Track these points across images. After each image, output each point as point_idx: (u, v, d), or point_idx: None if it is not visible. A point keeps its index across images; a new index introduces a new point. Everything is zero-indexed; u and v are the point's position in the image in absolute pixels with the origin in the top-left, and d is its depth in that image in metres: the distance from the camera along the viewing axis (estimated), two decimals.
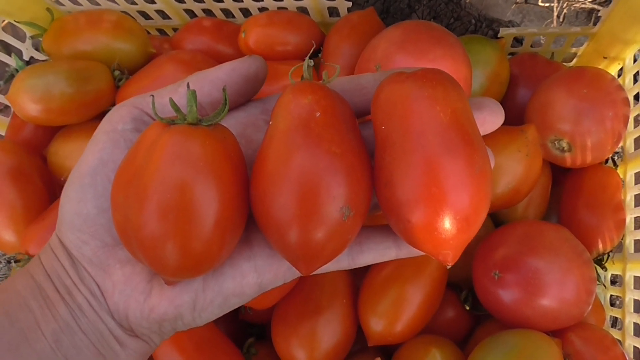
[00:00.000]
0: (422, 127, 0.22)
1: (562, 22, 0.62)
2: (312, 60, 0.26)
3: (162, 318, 0.25)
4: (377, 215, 0.27)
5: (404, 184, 0.22)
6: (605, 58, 0.55)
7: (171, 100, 0.23)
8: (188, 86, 0.24)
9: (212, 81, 0.27)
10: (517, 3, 0.65)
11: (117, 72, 0.55)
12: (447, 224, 0.22)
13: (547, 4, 0.64)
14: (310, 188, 0.22)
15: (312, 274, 0.24)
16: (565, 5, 0.60)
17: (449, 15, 0.62)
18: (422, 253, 0.24)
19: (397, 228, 0.24)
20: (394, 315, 0.45)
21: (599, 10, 0.60)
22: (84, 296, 0.26)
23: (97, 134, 0.27)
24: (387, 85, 0.24)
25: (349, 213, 0.22)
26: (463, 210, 0.22)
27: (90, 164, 0.26)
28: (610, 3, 0.50)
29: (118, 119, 0.26)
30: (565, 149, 0.49)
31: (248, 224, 0.25)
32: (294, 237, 0.22)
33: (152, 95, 0.26)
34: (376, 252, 0.27)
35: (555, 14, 0.61)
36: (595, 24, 0.53)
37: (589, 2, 0.59)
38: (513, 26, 0.62)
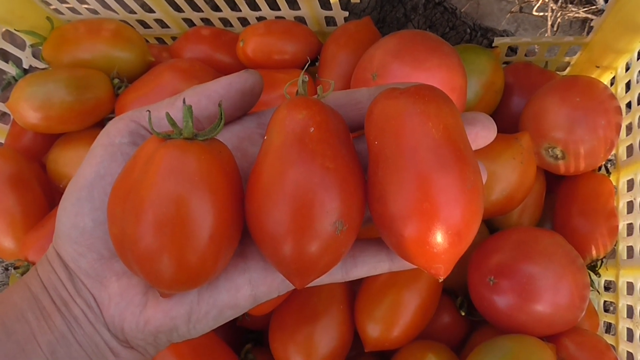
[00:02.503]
0: (414, 143, 0.23)
1: (556, 31, 0.63)
2: (307, 76, 0.26)
3: (158, 330, 0.26)
4: (372, 227, 0.28)
5: (397, 199, 0.22)
6: (597, 67, 0.55)
7: (167, 115, 0.23)
8: (184, 101, 0.24)
9: (208, 95, 0.27)
10: (511, 12, 0.65)
11: (116, 81, 0.55)
12: (439, 238, 0.22)
13: (541, 13, 0.64)
14: (304, 202, 0.22)
15: (306, 287, 0.24)
16: (559, 14, 0.61)
17: (444, 25, 0.63)
18: (415, 266, 0.24)
19: (390, 242, 0.24)
20: (391, 321, 0.45)
21: (592, 20, 0.60)
22: (80, 308, 0.26)
23: (94, 148, 0.27)
24: (381, 101, 0.24)
25: (342, 227, 0.23)
26: (455, 225, 0.22)
27: (87, 177, 0.26)
28: (602, 13, 0.50)
29: (115, 132, 0.26)
30: (559, 156, 0.50)
31: (243, 237, 0.25)
32: (288, 251, 0.23)
33: (149, 111, 0.26)
34: (369, 266, 0.27)
35: (549, 23, 0.61)
36: (588, 34, 0.53)
37: (582, 11, 0.59)
38: (507, 35, 0.62)
